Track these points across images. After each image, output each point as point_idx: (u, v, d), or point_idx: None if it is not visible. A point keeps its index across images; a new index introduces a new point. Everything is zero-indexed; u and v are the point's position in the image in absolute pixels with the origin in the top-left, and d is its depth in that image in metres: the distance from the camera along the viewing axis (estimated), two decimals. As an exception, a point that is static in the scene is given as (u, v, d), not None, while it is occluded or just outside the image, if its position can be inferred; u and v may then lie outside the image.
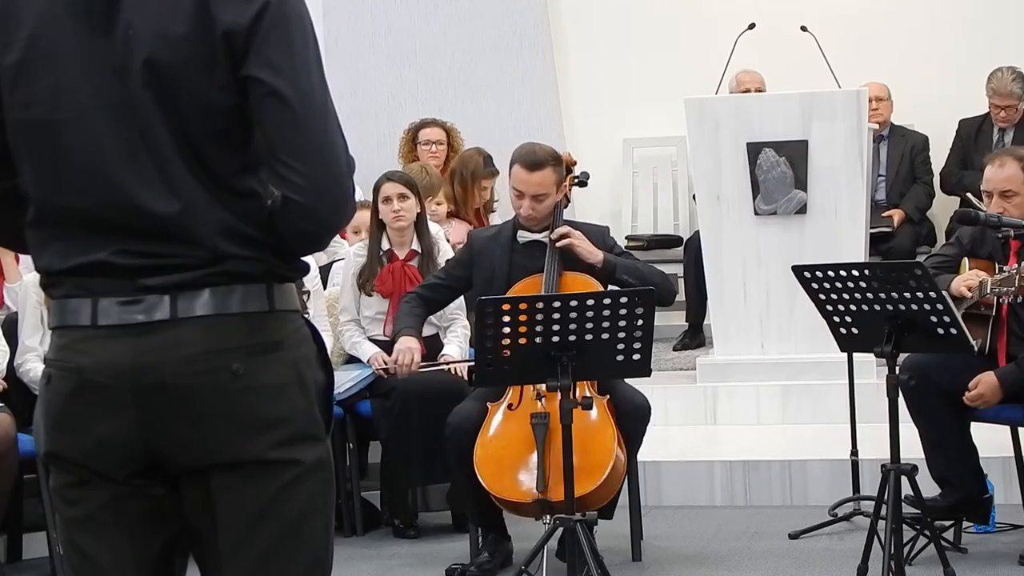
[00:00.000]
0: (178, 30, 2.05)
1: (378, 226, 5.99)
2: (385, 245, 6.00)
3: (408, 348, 5.30)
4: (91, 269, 2.10)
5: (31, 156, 2.13)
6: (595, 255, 5.12)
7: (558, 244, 5.11)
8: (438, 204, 6.96)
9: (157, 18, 2.06)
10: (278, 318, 2.14)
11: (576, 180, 5.35)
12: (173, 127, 2.07)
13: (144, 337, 2.08)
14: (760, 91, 8.13)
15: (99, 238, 2.10)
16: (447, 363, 5.75)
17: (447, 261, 5.68)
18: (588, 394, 4.63)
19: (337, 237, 7.27)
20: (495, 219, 7.36)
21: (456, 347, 5.94)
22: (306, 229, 2.12)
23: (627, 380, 5.12)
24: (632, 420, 4.95)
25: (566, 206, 5.32)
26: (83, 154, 2.09)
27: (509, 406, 4.95)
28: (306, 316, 2.25)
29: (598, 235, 5.30)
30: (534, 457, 4.73)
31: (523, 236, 5.26)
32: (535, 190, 5.14)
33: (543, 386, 4.65)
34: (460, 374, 5.80)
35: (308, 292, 5.88)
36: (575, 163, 5.36)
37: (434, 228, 6.22)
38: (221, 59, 2.06)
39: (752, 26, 7.68)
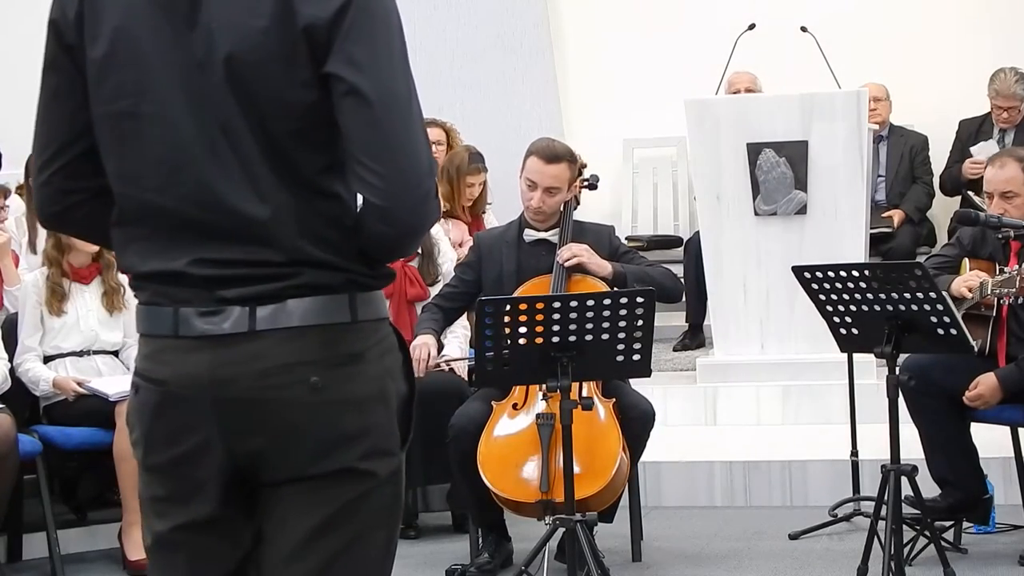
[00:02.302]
0: (259, 24, 2.01)
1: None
2: (385, 245, 5.98)
3: (424, 343, 5.27)
4: (169, 277, 2.08)
5: (116, 151, 2.11)
6: (604, 268, 5.10)
7: (568, 264, 5.09)
8: None
9: (238, 12, 2.02)
10: (360, 329, 2.09)
11: (585, 183, 5.34)
12: (254, 123, 2.03)
13: (222, 349, 2.05)
14: (751, 90, 8.12)
15: (178, 240, 2.07)
16: (456, 359, 5.77)
17: (456, 266, 5.65)
18: (587, 394, 4.63)
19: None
20: (489, 219, 7.34)
21: (456, 348, 5.93)
22: (385, 232, 2.05)
23: (632, 384, 5.13)
24: (637, 426, 4.95)
25: (575, 208, 5.31)
26: (166, 149, 2.06)
27: (514, 405, 4.94)
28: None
29: (604, 235, 5.30)
30: (539, 457, 4.73)
31: (529, 235, 5.25)
32: (549, 182, 5.13)
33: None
34: (460, 374, 5.80)
35: None
36: (585, 165, 5.36)
37: (434, 228, 6.21)
38: (302, 55, 2.01)
39: (752, 26, 7.67)
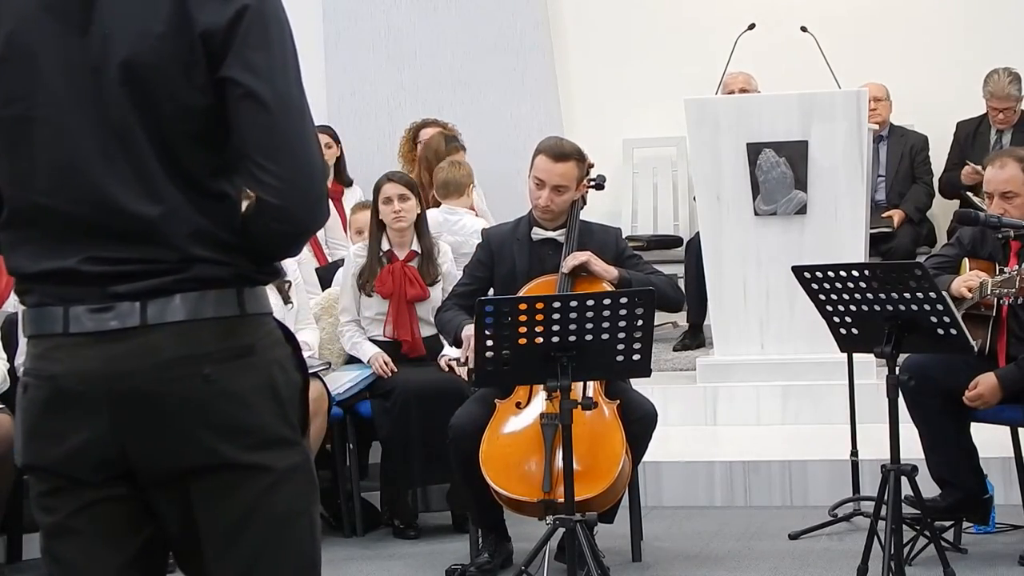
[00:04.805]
0: (156, 30, 2.05)
1: (378, 226, 5.99)
2: (385, 246, 6.00)
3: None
4: (60, 276, 2.10)
5: (6, 154, 2.13)
6: (610, 273, 5.09)
7: (572, 264, 5.07)
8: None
9: (135, 18, 2.06)
10: (249, 322, 2.13)
11: (592, 183, 5.34)
12: (149, 127, 2.07)
13: (116, 344, 2.07)
14: (745, 91, 8.12)
15: (69, 241, 2.09)
16: (455, 357, 5.74)
17: (466, 266, 5.61)
18: (590, 395, 4.62)
19: (343, 238, 7.26)
20: (477, 202, 7.20)
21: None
22: (281, 231, 2.12)
23: (635, 386, 5.13)
24: (640, 427, 4.95)
25: (582, 207, 5.31)
26: (58, 152, 2.09)
27: (517, 404, 4.94)
28: (276, 317, 2.24)
29: (611, 237, 5.30)
30: (541, 457, 4.72)
31: (537, 233, 5.25)
32: (557, 181, 5.12)
33: None
34: (460, 374, 5.79)
35: (289, 282, 5.82)
36: (593, 165, 5.36)
37: (434, 230, 6.19)
38: (199, 59, 2.06)
39: (752, 26, 7.68)
